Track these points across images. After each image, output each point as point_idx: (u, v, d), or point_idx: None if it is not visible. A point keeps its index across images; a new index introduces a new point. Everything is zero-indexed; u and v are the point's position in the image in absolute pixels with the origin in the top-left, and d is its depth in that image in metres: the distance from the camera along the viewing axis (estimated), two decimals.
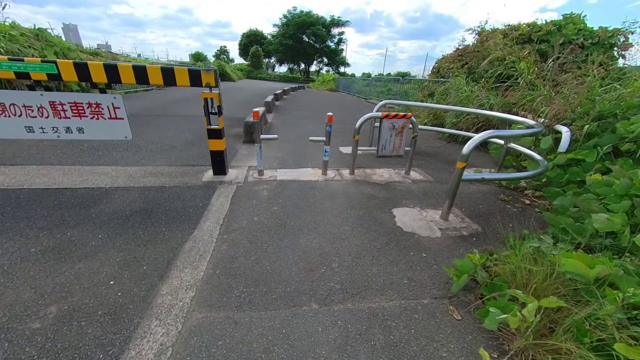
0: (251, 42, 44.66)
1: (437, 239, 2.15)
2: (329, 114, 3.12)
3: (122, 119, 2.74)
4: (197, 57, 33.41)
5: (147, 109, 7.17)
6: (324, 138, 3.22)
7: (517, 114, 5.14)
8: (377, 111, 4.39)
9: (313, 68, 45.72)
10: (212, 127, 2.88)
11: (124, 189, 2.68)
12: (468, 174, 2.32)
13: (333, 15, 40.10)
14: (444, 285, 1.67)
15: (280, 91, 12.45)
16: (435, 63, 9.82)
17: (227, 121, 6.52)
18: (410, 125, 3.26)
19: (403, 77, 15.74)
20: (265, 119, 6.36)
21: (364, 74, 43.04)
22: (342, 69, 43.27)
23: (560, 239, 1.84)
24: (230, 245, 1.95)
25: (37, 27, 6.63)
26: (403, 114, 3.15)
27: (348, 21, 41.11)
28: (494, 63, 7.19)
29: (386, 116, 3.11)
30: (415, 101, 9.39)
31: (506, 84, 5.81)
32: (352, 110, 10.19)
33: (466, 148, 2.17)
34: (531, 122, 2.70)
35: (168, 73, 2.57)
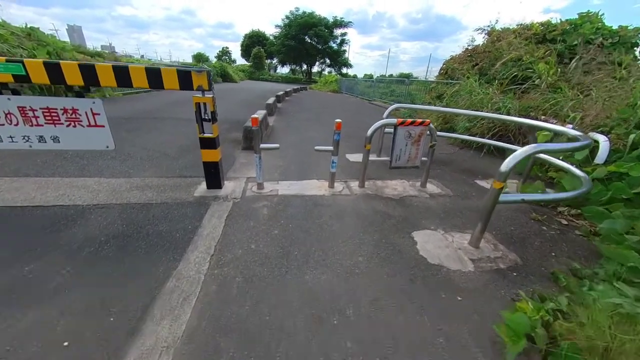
0: (253, 43, 44.40)
1: (470, 274, 1.79)
2: (338, 120, 2.76)
3: (103, 126, 2.40)
4: (199, 57, 33.20)
5: (146, 111, 6.85)
6: (330, 148, 2.86)
7: (536, 119, 4.77)
8: (387, 116, 4.04)
9: (315, 69, 45.43)
10: (206, 135, 2.53)
11: (104, 207, 2.34)
12: (506, 195, 1.95)
13: (335, 16, 39.83)
14: (492, 346, 1.31)
15: (282, 92, 12.12)
16: (443, 64, 9.45)
17: (226, 124, 6.20)
18: (428, 133, 2.90)
19: (407, 78, 15.37)
20: (267, 123, 6.02)
21: (365, 75, 42.68)
22: (344, 70, 42.91)
23: (629, 281, 1.48)
24: (221, 284, 1.60)
25: (29, 26, 6.33)
26: (420, 120, 2.79)
27: (351, 22, 40.78)
28: (507, 64, 6.82)
29: (401, 123, 2.75)
30: (423, 104, 9.03)
31: (524, 86, 5.43)
32: (356, 113, 9.84)
33: (505, 165, 1.81)
34: (574, 132, 2.33)
35: (154, 74, 2.23)
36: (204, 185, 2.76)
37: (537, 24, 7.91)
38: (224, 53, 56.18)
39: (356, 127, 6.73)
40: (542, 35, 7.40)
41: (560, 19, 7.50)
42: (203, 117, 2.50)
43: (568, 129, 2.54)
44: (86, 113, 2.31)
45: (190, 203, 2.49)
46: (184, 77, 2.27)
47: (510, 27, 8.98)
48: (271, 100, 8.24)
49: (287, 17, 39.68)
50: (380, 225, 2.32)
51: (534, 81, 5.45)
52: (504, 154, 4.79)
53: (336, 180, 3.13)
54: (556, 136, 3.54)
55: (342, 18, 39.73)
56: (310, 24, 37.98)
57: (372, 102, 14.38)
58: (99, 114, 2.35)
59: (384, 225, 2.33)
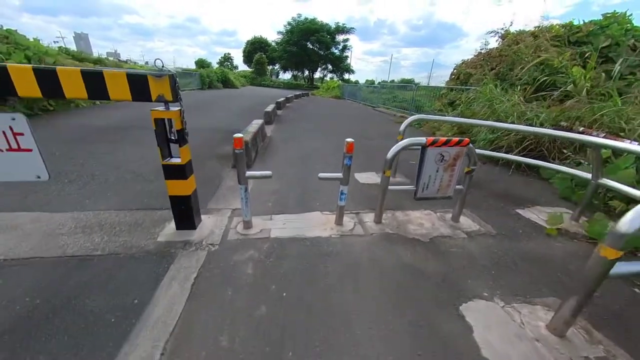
0: (255, 49, 44.23)
1: None
2: (349, 140, 2.09)
3: (30, 150, 1.74)
4: (201, 64, 32.88)
5: (131, 119, 6.23)
6: (339, 175, 2.18)
7: (570, 130, 4.10)
8: (406, 130, 3.37)
9: (317, 75, 45.11)
10: (172, 162, 1.87)
11: (23, 264, 1.66)
12: (625, 264, 1.24)
13: (338, 22, 39.59)
14: None
15: (282, 99, 11.53)
16: (454, 69, 8.83)
17: (219, 134, 5.53)
18: (466, 155, 2.22)
19: (411, 83, 14.77)
20: (264, 134, 5.37)
21: (367, 80, 42.29)
22: (346, 76, 42.56)
23: None
24: None
25: (5, 28, 5.78)
26: (457, 139, 2.11)
27: (353, 28, 40.54)
28: (529, 68, 6.17)
29: (432, 143, 2.08)
30: (434, 112, 8.38)
31: (556, 93, 4.76)
32: (362, 121, 9.20)
33: (627, 223, 1.12)
34: None
35: (93, 80, 1.58)
36: (173, 223, 2.09)
37: (557, 26, 7.29)
38: (226, 59, 56.12)
39: (363, 136, 6.08)
40: (565, 37, 6.76)
41: (583, 20, 6.86)
42: (169, 137, 1.85)
43: (635, 146, 1.87)
44: (4, 133, 1.65)
45: (148, 254, 1.81)
46: (137, 83, 1.62)
47: (526, 30, 8.37)
48: (270, 107, 7.62)
49: (289, 24, 39.54)
50: (413, 293, 1.62)
51: (566, 87, 4.78)
52: (537, 172, 4.11)
53: (345, 211, 2.44)
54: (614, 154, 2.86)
55: (344, 24, 39.50)
56: (313, 30, 37.75)
57: (375, 109, 13.76)
58: (22, 134, 1.68)
59: (418, 291, 1.63)
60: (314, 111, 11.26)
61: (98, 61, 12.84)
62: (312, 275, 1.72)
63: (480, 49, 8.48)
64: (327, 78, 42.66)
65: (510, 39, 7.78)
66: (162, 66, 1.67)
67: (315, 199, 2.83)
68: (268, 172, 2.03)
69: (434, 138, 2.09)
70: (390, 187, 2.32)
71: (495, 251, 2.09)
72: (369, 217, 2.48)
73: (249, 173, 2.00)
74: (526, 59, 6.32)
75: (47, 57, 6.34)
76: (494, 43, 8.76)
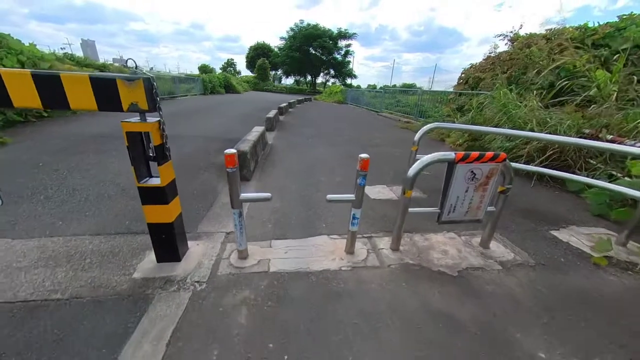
0: (258, 54, 44.34)
1: None
2: (363, 157, 1.75)
3: None
4: (204, 69, 32.90)
5: (118, 129, 5.94)
6: (350, 197, 1.84)
7: (596, 138, 3.74)
8: (421, 140, 3.03)
9: (320, 80, 45.08)
10: (149, 184, 1.54)
11: None
12: None
13: (340, 28, 39.63)
14: None
15: (285, 104, 11.27)
16: (462, 73, 8.51)
17: (217, 143, 5.19)
18: (502, 172, 1.87)
19: (415, 88, 14.49)
20: (265, 141, 5.05)
21: (369, 85, 42.20)
22: (348, 81, 42.47)
23: None
24: None
25: None
26: (492, 154, 1.77)
27: (355, 33, 40.54)
28: (547, 72, 5.83)
29: (463, 158, 1.73)
30: (442, 117, 8.04)
31: (580, 97, 4.40)
32: (366, 126, 8.88)
33: None
34: None
35: (48, 85, 1.26)
36: (154, 255, 1.75)
37: (571, 28, 6.97)
38: (229, 65, 56.37)
39: (369, 144, 5.74)
40: (580, 40, 6.43)
41: (598, 22, 6.53)
42: (148, 153, 1.52)
43: None
44: None
45: (118, 298, 1.46)
46: (104, 89, 1.30)
47: (537, 33, 8.06)
48: (272, 113, 7.33)
49: (291, 30, 39.63)
50: (448, 352, 1.26)
51: (589, 92, 4.42)
52: (563, 184, 3.74)
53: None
54: None
55: (346, 30, 39.50)
56: (315, 36, 37.78)
57: (380, 114, 13.46)
58: None
59: (452, 350, 1.27)
60: (317, 117, 10.97)
61: (103, 67, 12.70)
62: (319, 327, 1.36)
63: (490, 53, 8.16)
64: (330, 83, 42.60)
65: (521, 42, 7.47)
66: (136, 67, 1.36)
67: (321, 219, 2.48)
68: (267, 195, 1.69)
69: (464, 153, 1.74)
70: (419, 211, 1.97)
71: (541, 289, 1.72)
72: (384, 243, 2.13)
73: (243, 195, 1.66)
74: (541, 62, 6.00)
75: (42, 62, 6.10)
76: (502, 46, 8.47)
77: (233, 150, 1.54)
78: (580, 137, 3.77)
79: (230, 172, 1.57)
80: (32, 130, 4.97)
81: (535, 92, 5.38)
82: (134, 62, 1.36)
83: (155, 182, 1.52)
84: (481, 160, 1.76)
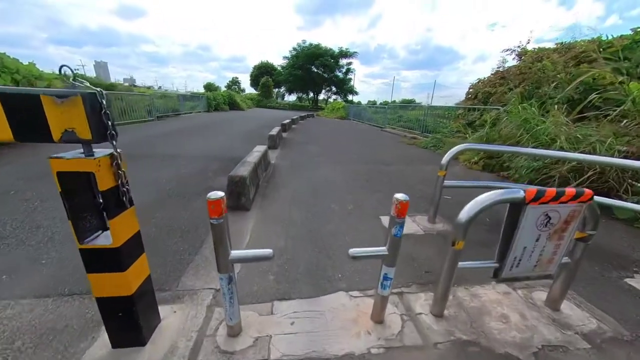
0: (262, 73, 45.14)
1: None
2: (401, 199, 1.26)
3: None
4: (209, 87, 33.30)
5: (138, 144, 5.56)
6: (381, 250, 1.34)
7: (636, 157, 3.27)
8: (448, 163, 2.55)
9: (322, 96, 45.56)
10: (96, 244, 1.05)
11: None
12: None
13: (341, 47, 40.41)
14: None
15: (288, 121, 10.98)
16: (470, 88, 8.19)
17: (215, 163, 4.58)
18: (584, 216, 1.36)
19: (414, 103, 14.24)
20: (267, 161, 4.61)
21: (369, 101, 42.59)
22: (350, 97, 42.82)
23: None
24: None
25: None
26: (574, 191, 1.27)
27: (356, 52, 41.28)
28: (562, 85, 5.45)
29: (535, 198, 1.24)
30: (452, 132, 7.62)
31: (615, 112, 3.95)
32: (372, 143, 8.46)
33: None
34: None
35: None
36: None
37: (583, 42, 6.67)
38: (234, 83, 57.50)
39: (379, 162, 5.25)
40: (595, 53, 6.08)
41: (612, 35, 6.22)
42: (96, 201, 1.05)
43: None
44: None
45: None
46: (22, 111, 0.84)
47: (545, 47, 7.78)
48: (275, 130, 6.96)
49: (294, 49, 40.49)
50: None
51: (624, 106, 3.98)
52: (607, 209, 3.21)
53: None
54: None
55: (347, 49, 40.28)
56: (317, 55, 38.48)
57: (383, 130, 13.13)
58: None
59: None
60: (321, 133, 10.62)
61: (111, 86, 12.65)
62: None
63: (498, 67, 7.87)
64: (331, 99, 42.98)
65: (531, 57, 7.16)
66: (73, 77, 0.91)
67: (336, 265, 1.96)
68: (266, 252, 1.20)
69: (536, 190, 1.25)
70: (473, 264, 1.45)
71: None
72: (420, 303, 1.60)
73: (235, 254, 1.17)
74: (558, 75, 5.62)
75: (38, 82, 5.84)
76: (510, 61, 8.18)
77: (218, 196, 1.06)
78: (623, 157, 3.29)
79: (215, 224, 1.09)
80: (20, 153, 4.58)
81: (555, 106, 4.96)
82: (70, 69, 0.92)
83: (104, 241, 1.04)
84: (560, 199, 1.27)
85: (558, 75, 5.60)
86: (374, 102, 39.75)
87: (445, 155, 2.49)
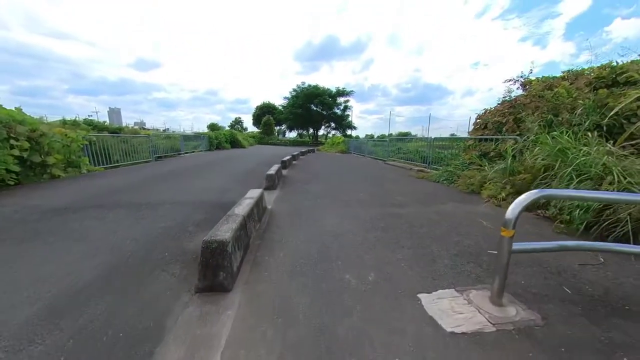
0: (264, 112, 46.74)
1: None
2: None
3: None
4: (212, 127, 34.05)
5: (113, 191, 4.85)
6: None
7: None
8: (517, 219, 1.75)
9: (321, 132, 46.52)
10: None
11: None
12: None
13: (338, 87, 42.33)
14: None
15: (289, 157, 10.47)
16: (478, 118, 7.73)
17: (199, 211, 3.12)
18: None
19: (408, 136, 13.92)
20: (263, 207, 3.84)
21: (367, 135, 43.40)
22: (348, 132, 43.67)
23: None
24: None
25: None
26: None
27: (352, 91, 43.07)
28: (588, 111, 4.89)
29: None
30: (465, 165, 6.95)
31: None
32: (378, 178, 7.76)
33: None
34: None
35: None
36: None
37: (595, 68, 6.32)
38: (237, 122, 59.50)
39: (393, 204, 4.39)
40: (611, 79, 5.68)
41: (620, 61, 5.86)
42: None
43: None
44: None
45: None
46: None
47: (551, 76, 7.50)
48: (274, 169, 6.30)
49: (294, 90, 42.41)
50: None
51: None
52: None
53: None
54: None
55: (343, 88, 42.13)
56: (316, 94, 40.12)
57: (387, 163, 12.59)
58: None
59: None
60: (324, 169, 10.01)
61: (118, 129, 12.46)
62: None
63: (504, 97, 7.50)
64: (331, 134, 43.77)
65: (541, 85, 6.80)
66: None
67: None
68: None
69: None
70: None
71: None
72: None
73: None
74: (581, 101, 5.11)
75: (19, 126, 5.36)
76: (515, 90, 7.86)
77: None
78: None
79: None
80: None
81: (589, 134, 4.32)
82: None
83: None
84: None
85: (580, 101, 5.09)
86: (372, 136, 40.34)
87: (512, 208, 1.69)
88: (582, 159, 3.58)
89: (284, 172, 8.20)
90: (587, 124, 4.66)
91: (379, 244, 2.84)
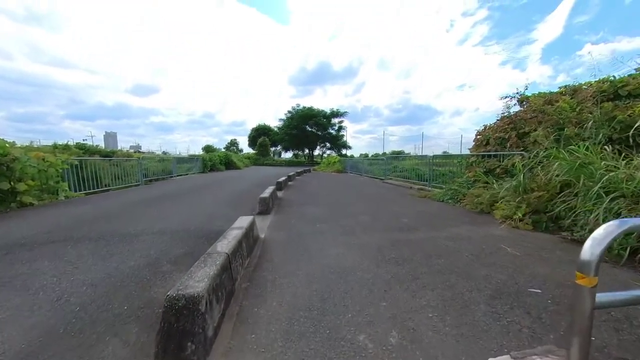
0: (259, 134, 47.01)
1: None
2: None
3: None
4: (207, 149, 33.81)
5: (60, 228, 4.25)
6: None
7: None
8: (600, 261, 1.27)
9: (317, 152, 46.71)
10: None
11: None
12: None
13: (332, 108, 43.18)
14: None
15: (284, 178, 10.02)
16: (478, 135, 7.49)
17: (179, 244, 2.04)
18: None
19: (402, 154, 13.73)
20: (254, 237, 3.30)
21: (361, 154, 43.80)
22: (344, 151, 43.91)
23: None
24: None
25: None
26: None
27: (346, 112, 43.98)
28: (598, 125, 4.65)
29: None
30: (469, 184, 6.58)
31: None
32: (379, 198, 7.30)
33: None
34: None
35: None
36: None
37: (594, 82, 6.22)
38: (232, 144, 59.68)
39: (399, 229, 3.82)
40: (613, 92, 5.54)
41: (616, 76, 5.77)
42: None
43: None
44: None
45: None
46: None
47: (548, 92, 7.43)
48: (268, 191, 5.81)
49: (289, 112, 43.10)
50: None
51: None
52: None
53: None
54: None
55: (337, 109, 42.99)
56: (310, 116, 40.76)
57: (385, 182, 12.23)
58: None
59: None
60: (321, 189, 9.55)
61: (112, 153, 12.03)
62: None
63: (503, 113, 7.34)
64: (326, 154, 43.91)
65: (539, 101, 6.66)
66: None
67: None
68: None
69: None
70: None
71: None
72: None
73: None
74: (590, 114, 4.88)
75: None
76: (512, 105, 7.73)
77: None
78: None
79: None
80: None
81: (608, 147, 4.01)
82: None
83: None
84: None
85: (589, 115, 4.85)
86: (366, 155, 40.63)
87: (590, 246, 1.22)
88: (610, 174, 3.20)
89: (280, 194, 7.70)
90: (600, 137, 4.38)
91: (394, 283, 2.31)
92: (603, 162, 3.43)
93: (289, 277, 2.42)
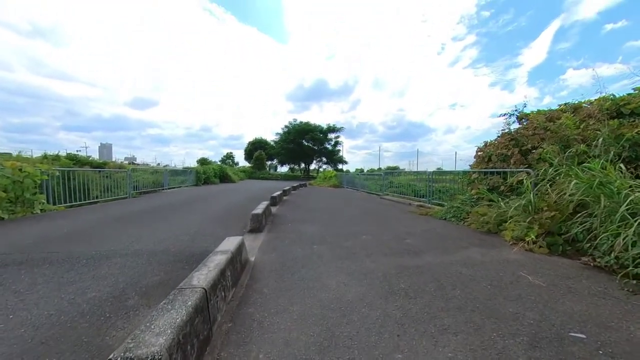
0: (256, 147, 46.87)
1: None
2: None
3: None
4: (202, 162, 33.33)
5: (22, 247, 3.75)
6: None
7: None
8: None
9: (313, 166, 46.57)
10: None
11: None
12: None
13: (329, 124, 43.60)
14: None
15: (279, 192, 9.61)
16: (479, 151, 7.30)
17: (159, 270, 1.98)
18: None
19: (397, 170, 13.57)
20: (245, 259, 2.87)
21: (357, 169, 43.90)
22: (340, 166, 43.87)
23: None
24: None
25: None
26: None
27: (342, 127, 44.38)
28: (608, 142, 4.46)
29: None
30: (471, 201, 6.30)
31: None
32: (379, 216, 6.93)
33: None
34: None
35: None
36: None
37: (594, 100, 6.16)
38: (228, 157, 59.33)
39: (405, 252, 3.40)
40: (615, 110, 5.45)
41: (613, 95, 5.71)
42: None
43: None
44: None
45: None
46: None
47: (549, 109, 7.38)
48: (261, 207, 5.40)
49: (285, 126, 43.31)
50: None
51: None
52: None
53: None
54: None
55: (334, 125, 43.42)
56: (307, 130, 40.96)
57: (382, 197, 11.91)
58: None
59: None
60: (318, 205, 9.14)
61: (103, 164, 11.56)
62: None
63: (503, 129, 7.21)
64: (322, 169, 43.79)
65: (541, 118, 6.56)
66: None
67: None
68: None
69: None
70: None
71: None
72: None
73: None
74: (598, 132, 4.72)
75: None
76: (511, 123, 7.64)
77: None
78: None
79: None
80: None
81: (621, 165, 3.78)
82: None
83: None
84: None
85: (597, 132, 4.69)
86: (361, 170, 40.66)
87: None
88: (636, 194, 2.92)
89: (274, 209, 7.28)
90: (611, 155, 4.16)
91: (408, 324, 1.90)
92: (627, 182, 3.17)
93: (280, 316, 1.99)
